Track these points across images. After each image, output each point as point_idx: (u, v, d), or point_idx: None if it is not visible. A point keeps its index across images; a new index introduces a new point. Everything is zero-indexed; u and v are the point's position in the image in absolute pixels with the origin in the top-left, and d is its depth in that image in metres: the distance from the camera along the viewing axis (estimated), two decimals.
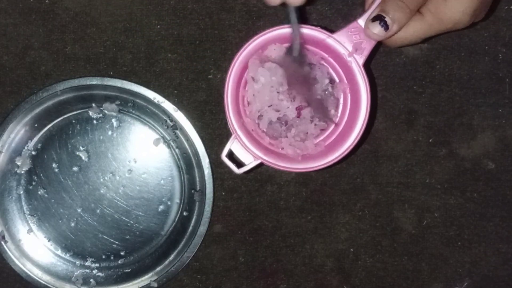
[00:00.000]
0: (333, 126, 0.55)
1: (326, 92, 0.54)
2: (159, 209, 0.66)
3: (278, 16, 0.64)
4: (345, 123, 0.54)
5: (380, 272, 0.67)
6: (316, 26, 0.53)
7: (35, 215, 0.66)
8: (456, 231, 0.66)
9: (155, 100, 0.63)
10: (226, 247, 0.67)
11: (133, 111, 0.66)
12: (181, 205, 0.66)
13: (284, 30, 0.52)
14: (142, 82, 0.64)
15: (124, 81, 0.64)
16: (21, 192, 0.66)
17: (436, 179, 0.66)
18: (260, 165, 0.54)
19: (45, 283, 0.65)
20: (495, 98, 0.65)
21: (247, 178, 0.66)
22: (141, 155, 0.66)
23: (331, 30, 0.54)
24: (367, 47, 0.51)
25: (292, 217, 0.66)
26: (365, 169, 0.66)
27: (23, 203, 0.66)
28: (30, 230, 0.66)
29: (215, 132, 0.66)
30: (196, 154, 0.64)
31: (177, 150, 0.66)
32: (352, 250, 0.67)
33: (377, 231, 0.67)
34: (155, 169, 0.66)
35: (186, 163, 0.66)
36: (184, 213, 0.66)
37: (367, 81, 0.51)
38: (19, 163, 0.65)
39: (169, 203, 0.66)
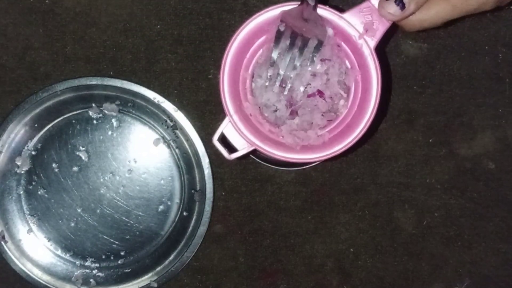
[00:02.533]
0: (341, 117, 0.50)
1: (341, 76, 0.49)
2: (159, 209, 0.66)
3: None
4: (353, 115, 0.49)
5: (380, 272, 0.67)
6: (324, 5, 0.49)
7: (35, 215, 0.66)
8: (456, 231, 0.66)
9: (155, 100, 0.63)
10: (226, 247, 0.67)
11: (133, 111, 0.66)
12: (181, 205, 0.66)
13: (278, 10, 0.47)
14: (142, 82, 0.64)
15: (124, 81, 0.64)
16: (21, 192, 0.66)
17: (436, 179, 0.66)
18: (254, 152, 0.50)
19: (45, 283, 0.65)
20: (495, 98, 0.65)
21: (247, 178, 0.66)
22: (141, 155, 0.66)
23: (341, 9, 0.49)
24: (380, 28, 0.46)
25: (292, 217, 0.66)
26: (365, 169, 0.66)
27: (23, 203, 0.66)
28: (30, 230, 0.66)
29: (215, 132, 0.65)
30: (196, 154, 0.64)
31: (177, 150, 0.66)
32: (352, 250, 0.67)
33: (377, 231, 0.67)
34: (155, 169, 0.66)
35: (186, 163, 0.66)
36: (184, 213, 0.66)
37: (378, 67, 0.46)
38: (19, 163, 0.65)
39: (169, 203, 0.66)
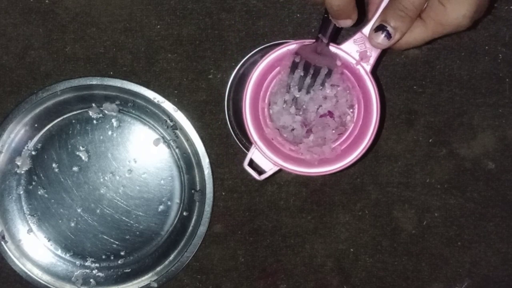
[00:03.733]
0: (349, 130, 0.58)
1: (347, 97, 0.56)
2: (159, 209, 0.66)
3: (278, 16, 0.64)
4: (359, 127, 0.57)
5: (380, 272, 0.67)
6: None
7: (35, 215, 0.66)
8: (456, 231, 0.66)
9: (155, 100, 0.63)
10: (226, 247, 0.67)
11: (133, 111, 0.66)
12: (181, 205, 0.66)
13: (285, 49, 0.55)
14: (142, 82, 0.64)
15: (124, 81, 0.64)
16: (21, 192, 0.66)
17: (436, 179, 0.66)
18: (279, 170, 0.57)
19: (45, 283, 0.65)
20: (495, 98, 0.65)
21: (247, 178, 0.66)
22: (141, 155, 0.66)
23: (337, 42, 0.56)
24: (373, 55, 0.54)
25: (292, 217, 0.66)
26: (365, 169, 0.66)
27: (23, 203, 0.66)
28: (30, 230, 0.66)
29: (215, 132, 0.66)
30: (196, 154, 0.64)
31: (177, 150, 0.66)
32: (352, 250, 0.67)
33: (377, 231, 0.67)
34: (155, 169, 0.66)
35: (186, 163, 0.66)
36: (184, 213, 0.66)
37: (375, 87, 0.54)
38: (19, 163, 0.65)
39: (169, 203, 0.66)
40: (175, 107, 0.63)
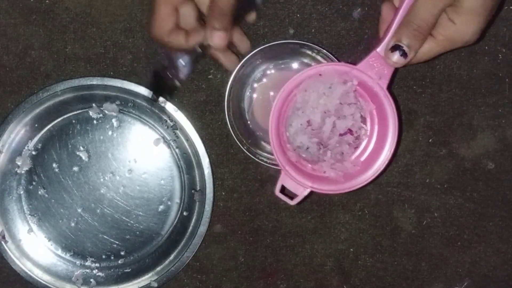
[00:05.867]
0: (365, 142, 0.59)
1: (362, 112, 0.58)
2: (159, 209, 0.66)
3: (279, 17, 0.64)
4: (376, 139, 0.58)
5: (380, 272, 0.67)
6: (340, 61, 0.61)
7: (35, 215, 0.66)
8: (456, 231, 0.66)
9: None
10: (226, 247, 0.67)
11: (133, 111, 0.66)
12: (181, 205, 0.66)
13: (323, 68, 0.55)
14: (142, 82, 0.64)
15: (124, 81, 0.64)
16: (22, 192, 0.66)
17: (436, 179, 0.66)
18: (311, 193, 0.57)
19: (45, 283, 0.65)
20: (495, 98, 0.65)
21: (247, 178, 0.66)
22: (141, 155, 0.66)
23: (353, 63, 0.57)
24: (389, 72, 0.55)
25: (292, 217, 0.66)
26: None
27: (23, 203, 0.66)
28: (30, 230, 0.66)
29: (215, 132, 0.66)
30: (196, 154, 0.64)
31: (177, 150, 0.66)
32: (352, 250, 0.67)
33: (377, 231, 0.67)
34: (155, 169, 0.66)
35: (186, 163, 0.66)
36: (184, 213, 0.66)
37: (392, 103, 0.55)
38: (19, 163, 0.66)
39: (169, 203, 0.66)
40: (175, 107, 0.64)
